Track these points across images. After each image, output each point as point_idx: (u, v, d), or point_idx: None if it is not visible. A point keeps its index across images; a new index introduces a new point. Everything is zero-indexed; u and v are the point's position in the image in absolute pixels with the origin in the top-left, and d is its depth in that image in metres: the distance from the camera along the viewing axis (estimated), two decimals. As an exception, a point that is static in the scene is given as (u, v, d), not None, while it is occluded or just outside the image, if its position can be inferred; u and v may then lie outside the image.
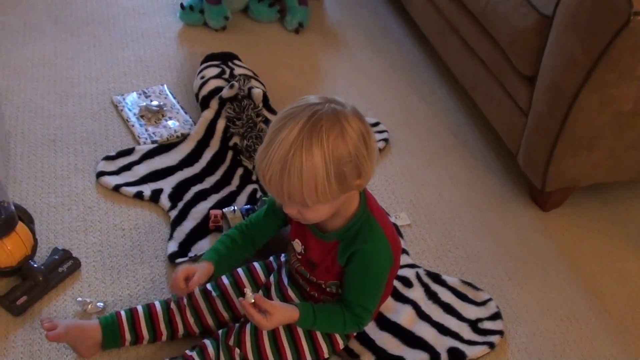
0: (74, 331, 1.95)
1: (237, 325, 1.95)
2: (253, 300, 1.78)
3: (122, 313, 2.01)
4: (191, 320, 2.00)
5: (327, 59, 3.29)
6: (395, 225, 2.43)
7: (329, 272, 1.87)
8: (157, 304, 2.03)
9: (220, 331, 1.94)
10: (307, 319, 1.86)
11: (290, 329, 1.92)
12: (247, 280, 2.05)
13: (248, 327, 1.92)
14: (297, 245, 1.91)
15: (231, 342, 1.90)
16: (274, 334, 1.91)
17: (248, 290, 1.79)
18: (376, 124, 2.87)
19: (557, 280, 2.34)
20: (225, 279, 2.04)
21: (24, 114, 2.78)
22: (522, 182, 2.67)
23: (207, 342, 1.92)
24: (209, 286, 2.03)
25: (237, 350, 1.89)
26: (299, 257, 1.92)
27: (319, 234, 1.84)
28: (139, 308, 2.02)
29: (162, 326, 2.00)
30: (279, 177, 1.60)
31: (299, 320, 1.84)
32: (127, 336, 1.99)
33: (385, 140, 2.81)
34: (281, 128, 1.60)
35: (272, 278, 2.06)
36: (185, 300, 2.02)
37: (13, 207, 2.10)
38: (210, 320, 2.00)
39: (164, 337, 2.01)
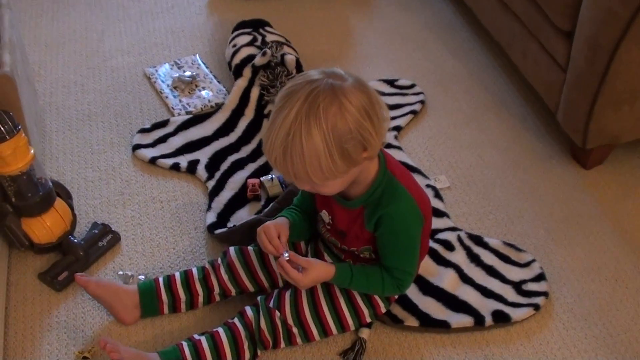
0: (108, 287, 1.98)
1: (276, 290, 1.96)
2: (288, 257, 1.79)
3: (160, 278, 2.03)
4: (225, 277, 2.00)
5: (359, 21, 3.26)
6: (434, 188, 2.41)
7: (358, 238, 1.86)
8: (194, 269, 2.04)
9: (259, 297, 1.95)
10: (344, 276, 1.85)
11: (329, 293, 1.92)
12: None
13: (287, 292, 1.93)
14: (325, 215, 1.90)
15: (271, 304, 1.92)
16: (313, 299, 1.91)
17: (285, 254, 1.81)
18: (412, 86, 2.84)
19: (601, 239, 2.31)
20: None
21: (57, 89, 2.78)
22: (562, 140, 2.62)
23: (247, 307, 1.93)
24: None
25: (278, 313, 1.90)
26: (328, 227, 1.92)
27: (343, 202, 1.82)
28: (177, 274, 2.04)
29: (197, 285, 2.01)
30: (282, 159, 1.59)
31: (335, 276, 1.84)
32: (164, 297, 2.00)
33: (422, 102, 2.77)
34: (281, 109, 1.59)
35: (309, 247, 2.05)
36: (219, 260, 2.03)
37: (51, 184, 2.11)
38: (245, 278, 2.01)
39: (201, 298, 2.02)
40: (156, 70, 2.87)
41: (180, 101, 2.72)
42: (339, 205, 1.83)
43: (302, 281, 1.80)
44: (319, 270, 1.83)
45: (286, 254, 1.80)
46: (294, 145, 1.56)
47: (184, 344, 1.86)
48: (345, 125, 1.56)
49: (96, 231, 2.20)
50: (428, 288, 2.10)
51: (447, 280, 2.13)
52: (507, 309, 2.06)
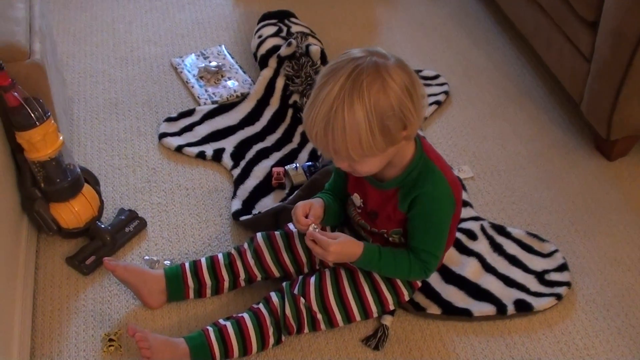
0: (135, 272, 2.00)
1: (300, 277, 1.98)
2: (316, 229, 1.83)
3: (186, 263, 2.05)
4: (252, 262, 2.02)
5: (383, 12, 3.27)
6: (458, 178, 2.41)
7: (390, 220, 1.86)
8: (220, 255, 2.06)
9: (284, 283, 1.97)
10: (372, 253, 1.84)
11: (354, 279, 1.94)
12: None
13: (312, 279, 1.95)
14: (356, 199, 1.91)
15: (296, 290, 1.93)
16: (337, 285, 1.93)
17: (313, 225, 1.83)
18: (436, 77, 2.85)
19: (624, 230, 2.31)
20: (292, 226, 2.06)
21: (85, 79, 2.81)
22: (586, 131, 2.62)
23: (272, 293, 1.95)
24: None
25: (302, 300, 1.91)
26: (359, 210, 1.93)
27: (377, 183, 1.83)
28: (202, 259, 2.06)
29: (224, 271, 2.03)
30: (323, 133, 1.61)
31: (363, 252, 1.83)
32: (190, 283, 2.03)
33: (446, 93, 2.78)
34: (324, 85, 1.61)
35: (335, 232, 2.06)
36: (246, 245, 2.05)
37: (79, 170, 2.13)
38: (271, 263, 2.02)
39: (226, 284, 2.04)
40: (182, 61, 2.90)
41: (206, 91, 2.74)
42: (373, 187, 1.84)
43: (331, 246, 1.79)
44: (347, 241, 1.82)
45: (313, 227, 1.83)
46: (336, 119, 1.58)
47: (210, 329, 1.89)
48: (388, 101, 1.58)
49: (123, 217, 2.23)
50: (451, 277, 2.12)
51: (469, 269, 2.14)
52: (529, 299, 2.06)
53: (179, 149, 2.50)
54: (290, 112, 2.66)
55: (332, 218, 1.97)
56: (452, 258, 2.16)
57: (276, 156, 2.50)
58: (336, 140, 1.60)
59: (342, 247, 1.81)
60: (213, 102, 2.70)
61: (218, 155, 2.48)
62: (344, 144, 1.60)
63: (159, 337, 1.87)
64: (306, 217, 1.86)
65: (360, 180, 1.86)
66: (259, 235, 2.05)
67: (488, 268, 2.15)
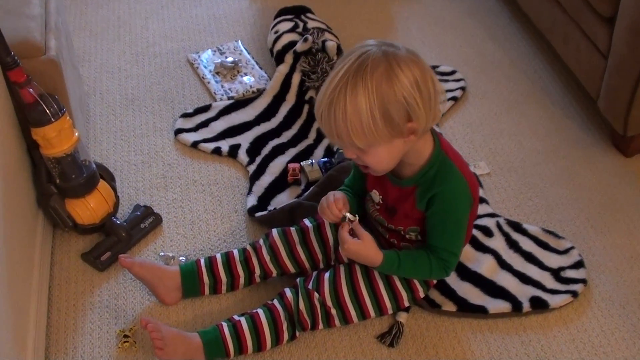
0: (151, 269, 2.01)
1: (315, 272, 1.98)
2: (352, 221, 1.82)
3: (202, 260, 2.05)
4: (267, 257, 2.03)
5: (400, 7, 3.26)
6: (474, 174, 2.40)
7: (408, 217, 1.86)
8: (235, 251, 2.07)
9: (298, 279, 1.97)
10: (391, 262, 1.84)
11: (368, 275, 1.93)
12: (330, 228, 2.04)
13: (326, 274, 1.95)
14: (375, 195, 1.91)
15: (310, 285, 1.93)
16: (352, 280, 1.93)
17: (349, 215, 1.82)
18: (452, 72, 2.84)
19: (642, 227, 2.30)
20: (307, 222, 2.06)
21: (101, 75, 2.82)
22: (603, 128, 2.61)
23: (287, 289, 1.95)
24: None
25: (316, 295, 1.91)
26: (377, 207, 1.93)
27: (395, 180, 1.83)
28: (218, 255, 2.06)
29: (239, 267, 2.03)
30: (327, 115, 1.63)
31: (382, 263, 1.84)
32: (205, 279, 2.03)
33: (463, 88, 2.77)
34: (334, 69, 1.64)
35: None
36: (261, 241, 2.05)
37: (94, 166, 2.14)
38: (286, 258, 2.03)
39: (242, 280, 2.04)
40: (199, 56, 2.90)
41: (222, 86, 2.75)
42: (392, 184, 1.84)
43: (348, 242, 1.80)
44: (369, 247, 1.82)
45: (350, 219, 1.82)
46: (338, 100, 1.59)
47: (224, 324, 1.89)
48: (390, 87, 1.59)
49: (138, 213, 2.24)
50: (466, 273, 2.11)
51: (485, 266, 2.13)
52: (545, 296, 2.06)
53: (195, 144, 2.51)
54: (306, 108, 2.66)
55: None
56: (468, 255, 2.15)
57: (292, 152, 2.50)
58: (337, 123, 1.61)
59: (359, 249, 1.82)
60: (229, 98, 2.70)
61: (234, 151, 2.48)
62: (344, 127, 1.61)
63: (172, 329, 1.88)
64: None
65: (380, 177, 1.86)
66: (274, 231, 2.06)
67: (504, 265, 2.15)
